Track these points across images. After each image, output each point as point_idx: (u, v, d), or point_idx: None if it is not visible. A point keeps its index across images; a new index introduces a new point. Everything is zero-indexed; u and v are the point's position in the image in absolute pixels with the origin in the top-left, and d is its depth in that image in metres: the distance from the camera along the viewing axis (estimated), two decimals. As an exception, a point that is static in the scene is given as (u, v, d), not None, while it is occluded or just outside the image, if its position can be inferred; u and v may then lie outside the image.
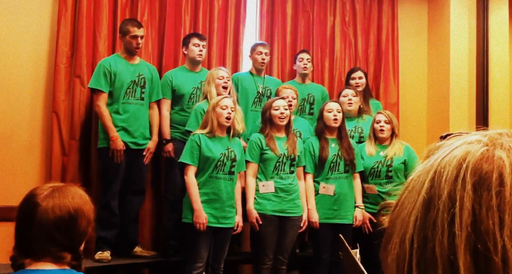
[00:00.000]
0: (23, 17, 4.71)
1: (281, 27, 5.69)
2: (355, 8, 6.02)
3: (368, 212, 4.65)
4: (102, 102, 4.46)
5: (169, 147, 4.74)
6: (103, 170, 4.57)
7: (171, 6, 5.20)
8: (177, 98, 4.83)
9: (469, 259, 0.58)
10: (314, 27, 5.82)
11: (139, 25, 4.63)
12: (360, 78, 5.35)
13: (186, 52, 4.90)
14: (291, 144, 4.46)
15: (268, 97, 4.93)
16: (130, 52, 4.61)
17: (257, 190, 4.39)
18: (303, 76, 5.37)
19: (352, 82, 5.33)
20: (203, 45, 4.86)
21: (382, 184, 4.68)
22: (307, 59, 5.32)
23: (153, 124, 4.70)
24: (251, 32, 5.69)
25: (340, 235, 2.00)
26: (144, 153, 4.59)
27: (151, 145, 4.64)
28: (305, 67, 5.30)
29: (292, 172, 4.48)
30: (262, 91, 5.10)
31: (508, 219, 0.58)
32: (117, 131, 4.45)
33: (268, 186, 4.39)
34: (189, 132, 4.41)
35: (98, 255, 4.37)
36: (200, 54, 4.86)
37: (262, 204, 4.36)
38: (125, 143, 4.47)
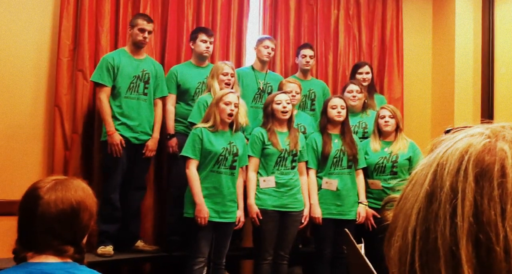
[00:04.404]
0: (25, 11, 4.71)
1: (284, 20, 5.68)
2: (359, 1, 6.00)
3: (372, 208, 4.65)
4: (103, 96, 4.46)
5: (173, 142, 4.74)
6: (103, 163, 4.59)
7: (174, 0, 5.19)
8: (182, 93, 4.83)
9: (471, 250, 0.58)
10: (317, 21, 5.80)
11: (149, 20, 4.65)
12: (367, 73, 5.34)
13: (193, 47, 4.90)
14: (293, 139, 4.46)
15: (269, 93, 4.92)
16: (136, 46, 4.61)
17: (257, 185, 4.39)
18: (305, 72, 5.36)
19: (359, 77, 5.31)
20: (210, 42, 4.87)
21: (387, 179, 4.67)
22: (310, 56, 5.29)
23: (155, 122, 4.70)
24: (254, 26, 5.68)
25: (346, 228, 1.99)
26: (144, 151, 4.60)
27: (150, 142, 4.63)
28: (307, 64, 5.29)
29: (293, 167, 4.47)
30: (263, 88, 5.09)
31: (510, 209, 0.58)
32: (119, 125, 4.46)
33: (268, 181, 4.39)
34: (192, 124, 4.41)
35: (101, 249, 4.38)
36: (207, 50, 4.86)
37: (262, 199, 4.36)
38: (126, 137, 4.47)
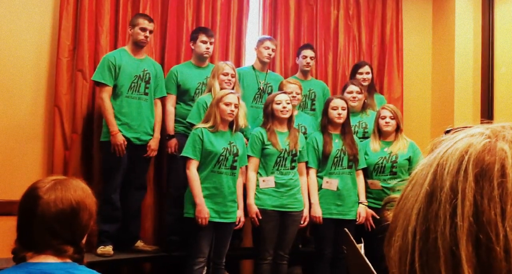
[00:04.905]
0: (25, 11, 4.71)
1: (284, 20, 5.68)
2: (359, 1, 6.00)
3: (372, 208, 4.65)
4: (105, 95, 4.46)
5: (173, 142, 4.74)
6: (104, 163, 4.58)
7: (174, 0, 5.19)
8: (182, 93, 4.83)
9: (471, 249, 0.58)
10: (317, 21, 5.80)
11: (150, 20, 4.66)
12: (367, 73, 5.34)
13: (193, 47, 4.90)
14: (293, 139, 4.46)
15: (269, 93, 4.92)
16: (137, 45, 4.61)
17: (257, 185, 4.39)
18: (305, 72, 5.36)
19: (359, 77, 5.31)
20: (210, 42, 4.86)
21: (386, 179, 4.67)
22: (311, 57, 5.29)
23: (156, 122, 4.70)
24: (254, 26, 5.67)
25: (345, 228, 2.00)
26: (147, 150, 4.60)
27: (152, 142, 4.64)
28: (307, 65, 5.29)
29: (293, 167, 4.47)
30: (263, 88, 5.09)
31: (510, 209, 0.58)
32: (120, 126, 4.45)
33: (268, 181, 4.39)
34: (191, 125, 4.41)
35: (100, 249, 4.38)
36: (207, 51, 4.86)
37: (262, 199, 4.36)
38: (127, 138, 4.47)
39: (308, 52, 5.29)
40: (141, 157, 4.60)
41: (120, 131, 4.44)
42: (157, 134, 4.68)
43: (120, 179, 4.49)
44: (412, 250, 0.62)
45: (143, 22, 4.57)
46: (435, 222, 0.61)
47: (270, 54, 5.10)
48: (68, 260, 1.75)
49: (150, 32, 4.64)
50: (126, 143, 4.44)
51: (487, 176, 0.60)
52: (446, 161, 0.63)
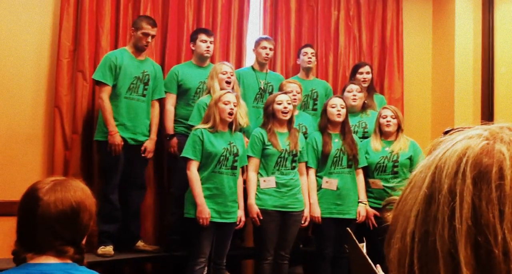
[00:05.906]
0: (25, 12, 4.71)
1: (285, 21, 5.68)
2: (359, 2, 6.00)
3: (373, 207, 4.65)
4: (105, 95, 4.45)
5: (174, 142, 4.74)
6: (102, 162, 4.58)
7: (174, 1, 5.19)
8: (182, 93, 4.83)
9: (469, 252, 0.58)
10: (318, 22, 5.80)
11: (154, 24, 4.64)
12: (367, 73, 5.35)
13: (193, 48, 4.89)
14: (293, 139, 4.46)
15: (270, 93, 4.92)
16: (138, 48, 4.60)
17: (258, 186, 4.39)
18: (307, 71, 5.36)
19: (359, 77, 5.32)
20: (210, 41, 4.85)
21: (388, 179, 4.67)
22: (312, 53, 5.30)
23: (152, 123, 4.69)
24: (255, 27, 5.67)
25: (348, 228, 2.00)
26: (142, 152, 4.59)
27: (148, 144, 4.62)
28: (309, 61, 5.29)
29: (293, 168, 4.47)
30: (264, 87, 5.08)
31: (508, 211, 0.58)
32: (117, 126, 4.45)
33: (269, 182, 4.39)
34: (192, 126, 4.40)
35: (101, 249, 4.38)
36: (208, 50, 4.85)
37: (263, 199, 4.36)
38: (124, 138, 4.46)
39: (309, 49, 5.31)
40: (138, 157, 4.60)
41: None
42: (153, 136, 4.67)
43: (118, 179, 4.48)
44: (411, 252, 0.62)
45: (147, 27, 4.55)
46: (433, 224, 0.61)
47: (268, 54, 5.09)
48: (69, 261, 1.75)
49: (152, 37, 4.64)
50: (123, 143, 4.44)
51: (485, 178, 0.60)
52: (445, 163, 0.63)
